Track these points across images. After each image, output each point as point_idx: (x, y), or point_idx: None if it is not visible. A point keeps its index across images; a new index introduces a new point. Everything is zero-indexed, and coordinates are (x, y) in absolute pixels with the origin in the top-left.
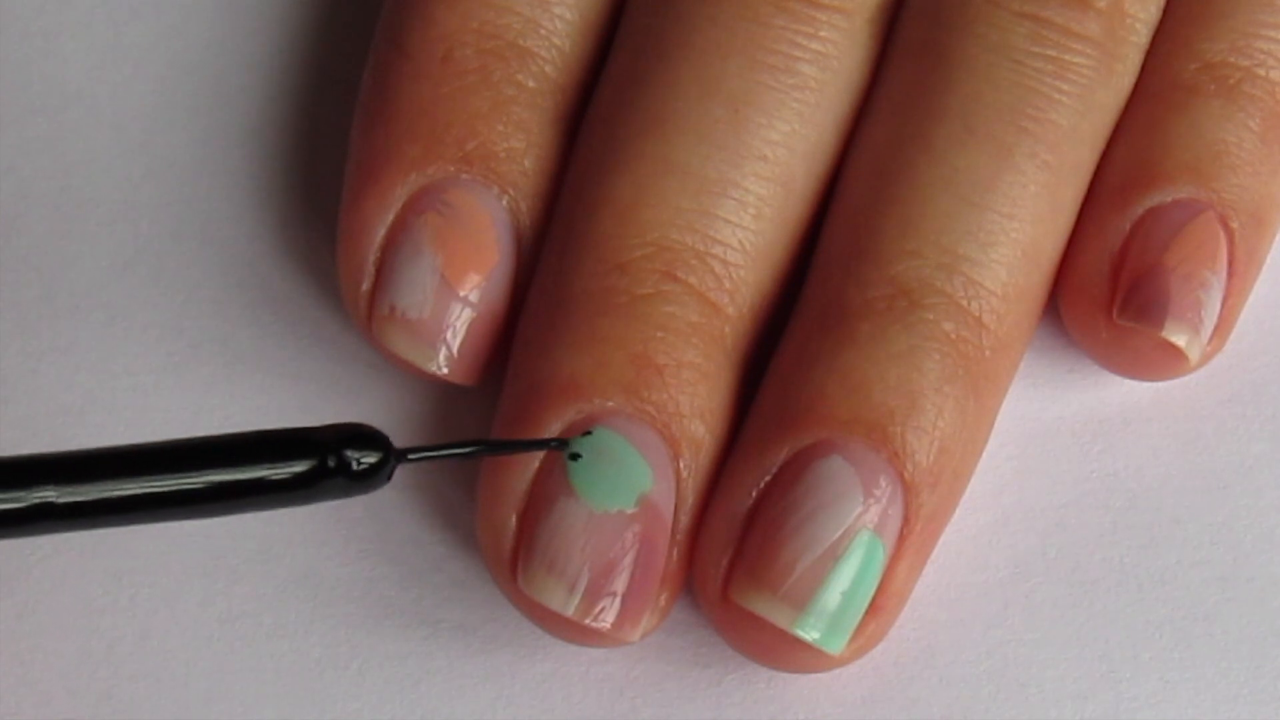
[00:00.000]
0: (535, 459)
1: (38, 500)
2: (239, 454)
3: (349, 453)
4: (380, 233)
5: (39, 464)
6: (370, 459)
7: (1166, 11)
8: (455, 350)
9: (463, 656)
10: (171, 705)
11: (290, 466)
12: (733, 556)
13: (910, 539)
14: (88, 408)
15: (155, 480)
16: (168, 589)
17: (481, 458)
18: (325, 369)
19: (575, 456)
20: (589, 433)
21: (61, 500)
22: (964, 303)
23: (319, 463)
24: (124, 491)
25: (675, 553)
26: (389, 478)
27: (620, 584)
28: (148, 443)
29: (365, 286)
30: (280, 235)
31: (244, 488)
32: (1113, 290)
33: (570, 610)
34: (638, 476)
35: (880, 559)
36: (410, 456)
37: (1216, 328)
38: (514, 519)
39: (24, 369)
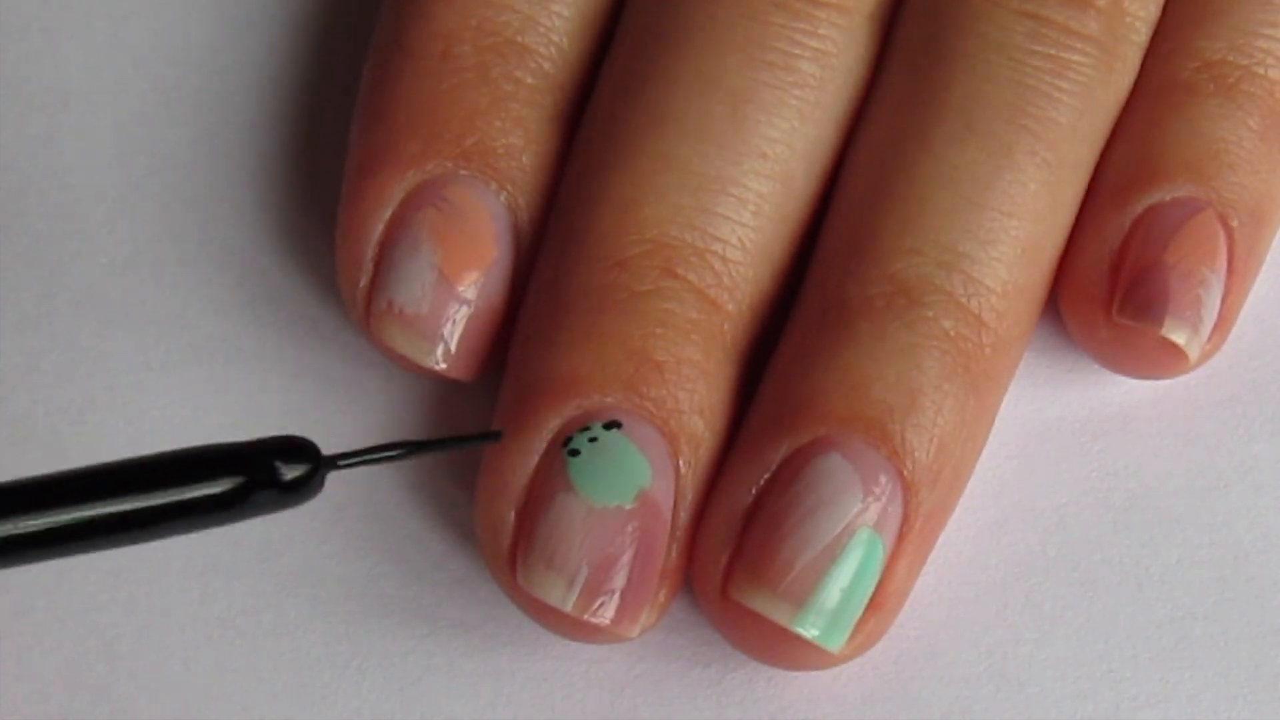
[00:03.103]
0: (534, 454)
1: None
2: (164, 475)
3: (278, 464)
4: (379, 228)
5: None
6: (298, 470)
7: (1166, 10)
8: (453, 346)
9: (463, 654)
10: (170, 703)
11: (218, 485)
12: (732, 553)
13: (910, 537)
14: (88, 408)
15: (85, 508)
16: (167, 587)
17: (411, 458)
18: (325, 366)
19: (575, 453)
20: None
21: None
22: (964, 300)
23: (248, 479)
24: (48, 523)
25: (674, 549)
26: (320, 486)
27: (619, 580)
28: (66, 471)
29: (363, 282)
30: (280, 234)
31: (171, 511)
32: (1112, 288)
33: (568, 606)
34: (636, 472)
35: (880, 556)
36: (340, 464)
37: (1216, 326)
38: (512, 514)
39: (24, 369)
